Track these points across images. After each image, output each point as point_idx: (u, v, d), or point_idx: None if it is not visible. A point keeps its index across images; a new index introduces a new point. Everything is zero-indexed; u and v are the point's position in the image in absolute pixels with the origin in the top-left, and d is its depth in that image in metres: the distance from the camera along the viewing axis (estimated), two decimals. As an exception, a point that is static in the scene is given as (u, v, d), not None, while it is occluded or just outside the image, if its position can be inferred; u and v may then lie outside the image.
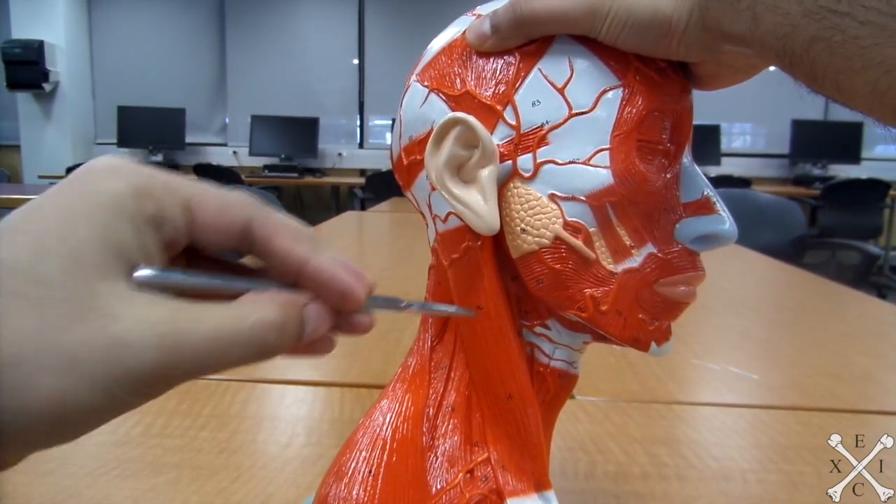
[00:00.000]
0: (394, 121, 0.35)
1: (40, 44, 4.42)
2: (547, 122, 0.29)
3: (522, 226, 0.29)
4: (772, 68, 0.31)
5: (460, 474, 0.31)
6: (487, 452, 0.32)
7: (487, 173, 0.29)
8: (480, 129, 0.29)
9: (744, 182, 3.96)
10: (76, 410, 0.18)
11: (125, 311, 0.19)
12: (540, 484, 0.32)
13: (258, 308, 0.21)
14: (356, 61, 4.90)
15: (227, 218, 0.22)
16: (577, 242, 0.29)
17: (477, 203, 0.29)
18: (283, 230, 0.23)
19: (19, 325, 0.18)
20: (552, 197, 0.29)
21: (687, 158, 0.31)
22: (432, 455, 0.32)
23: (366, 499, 0.31)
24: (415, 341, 0.35)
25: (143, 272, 0.20)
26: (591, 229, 0.29)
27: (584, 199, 0.29)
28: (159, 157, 4.69)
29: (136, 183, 0.21)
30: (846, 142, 4.41)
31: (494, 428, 0.32)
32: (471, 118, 0.29)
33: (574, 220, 0.29)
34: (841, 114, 4.24)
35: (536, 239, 0.29)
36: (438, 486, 0.31)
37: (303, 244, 0.23)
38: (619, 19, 0.27)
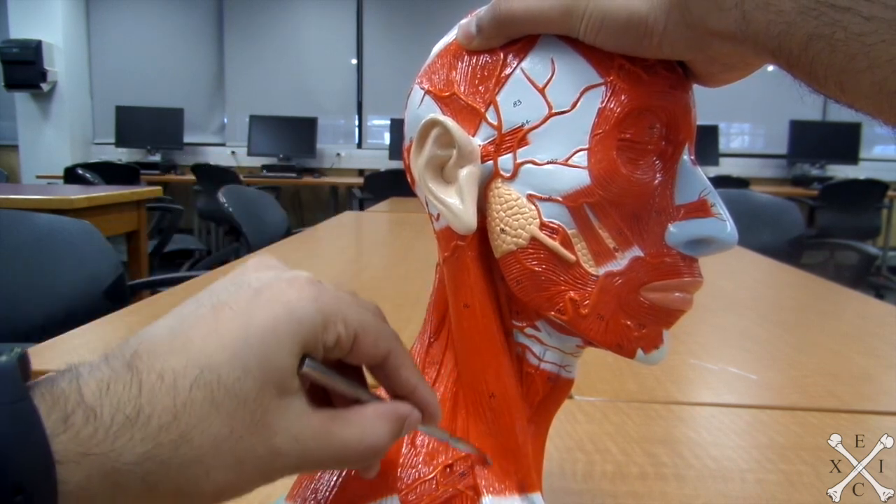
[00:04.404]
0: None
1: (38, 43, 4.42)
2: (527, 122, 0.29)
3: (502, 226, 0.29)
4: (770, 68, 0.30)
5: (439, 468, 0.31)
6: None
7: (465, 173, 0.29)
8: (455, 130, 0.29)
9: (742, 182, 3.97)
10: (232, 494, 0.24)
11: (283, 427, 0.24)
12: (524, 485, 0.31)
13: (374, 433, 0.26)
14: (354, 61, 4.90)
15: (379, 350, 0.27)
16: (554, 243, 0.28)
17: (454, 202, 0.29)
18: (408, 363, 0.28)
19: (210, 430, 0.22)
20: (530, 197, 0.29)
21: (688, 158, 0.30)
22: (411, 447, 0.32)
23: (332, 484, 0.32)
24: (416, 338, 0.35)
25: (310, 369, 0.25)
26: (571, 231, 0.28)
27: (560, 199, 0.28)
28: (157, 157, 4.68)
29: (325, 310, 0.25)
30: (844, 142, 4.42)
31: (477, 426, 0.32)
32: (448, 120, 0.29)
33: (551, 221, 0.28)
34: (839, 114, 4.27)
35: (514, 239, 0.29)
36: (412, 478, 0.31)
37: (415, 375, 0.28)
38: (594, 21, 0.26)
